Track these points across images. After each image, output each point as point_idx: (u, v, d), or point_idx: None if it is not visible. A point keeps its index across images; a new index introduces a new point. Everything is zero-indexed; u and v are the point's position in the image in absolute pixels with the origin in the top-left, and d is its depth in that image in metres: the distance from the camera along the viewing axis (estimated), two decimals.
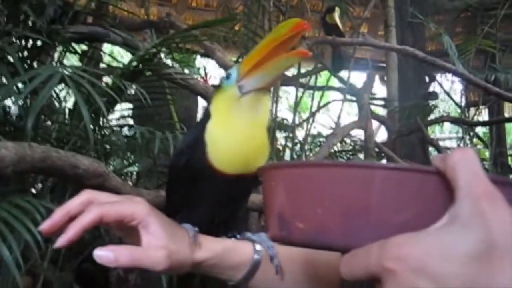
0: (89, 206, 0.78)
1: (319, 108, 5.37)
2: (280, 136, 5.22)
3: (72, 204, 0.78)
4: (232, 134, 0.94)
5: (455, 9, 6.12)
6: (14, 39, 2.51)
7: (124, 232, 0.85)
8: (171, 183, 1.11)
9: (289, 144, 4.85)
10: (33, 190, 2.61)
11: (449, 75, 6.09)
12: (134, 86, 2.41)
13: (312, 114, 5.10)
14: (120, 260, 0.75)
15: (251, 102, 0.94)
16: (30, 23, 2.55)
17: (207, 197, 1.01)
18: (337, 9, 4.10)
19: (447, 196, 0.55)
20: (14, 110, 2.56)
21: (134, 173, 3.48)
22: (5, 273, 2.07)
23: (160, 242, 0.80)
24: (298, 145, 5.08)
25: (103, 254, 0.74)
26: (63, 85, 2.18)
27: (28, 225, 1.74)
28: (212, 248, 0.91)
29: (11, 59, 2.49)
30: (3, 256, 1.71)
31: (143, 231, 0.80)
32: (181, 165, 1.01)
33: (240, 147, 0.94)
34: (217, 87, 1.01)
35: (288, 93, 7.43)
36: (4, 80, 2.44)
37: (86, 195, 0.80)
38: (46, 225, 0.76)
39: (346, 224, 0.58)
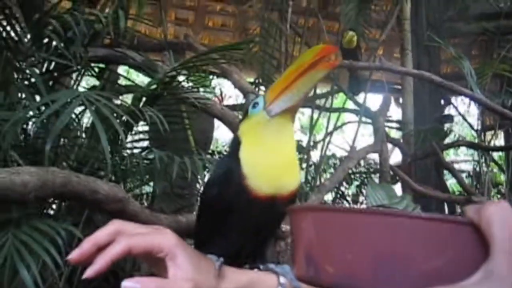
0: (118, 238, 0.78)
1: (334, 129, 5.37)
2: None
3: (101, 234, 0.79)
4: (264, 153, 0.99)
5: (471, 32, 6.11)
6: (36, 61, 2.56)
7: (150, 262, 0.85)
8: (202, 213, 1.13)
9: (304, 166, 4.86)
10: (51, 211, 2.64)
11: (464, 98, 6.06)
12: (152, 110, 2.43)
13: (327, 135, 5.10)
14: None
15: (280, 122, 1.00)
16: (52, 46, 2.59)
17: (238, 225, 1.04)
18: (351, 33, 4.11)
19: (480, 247, 0.55)
20: (33, 130, 2.59)
21: (148, 194, 3.49)
22: None
23: (186, 274, 0.80)
24: (313, 167, 5.08)
25: (130, 285, 0.74)
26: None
27: (47, 247, 1.76)
28: (237, 280, 0.91)
29: (32, 79, 2.54)
30: (23, 278, 1.73)
31: (170, 263, 0.80)
32: (214, 194, 1.05)
33: (273, 164, 0.98)
34: (243, 117, 1.06)
35: (302, 114, 7.44)
36: (25, 101, 2.49)
37: (114, 225, 0.81)
38: (75, 255, 0.77)
39: (376, 270, 0.59)
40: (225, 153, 5.97)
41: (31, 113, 2.28)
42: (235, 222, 1.03)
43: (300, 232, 0.70)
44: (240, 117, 3.35)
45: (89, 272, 0.74)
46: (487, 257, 0.53)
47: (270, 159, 0.98)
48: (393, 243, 0.58)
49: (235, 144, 1.03)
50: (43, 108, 2.21)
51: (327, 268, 0.63)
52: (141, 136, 3.02)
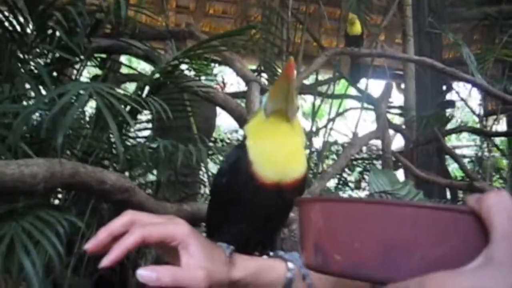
0: (132, 228, 0.81)
1: (336, 116, 5.38)
2: None
3: (116, 224, 0.82)
4: (269, 142, 1.04)
5: (473, 17, 6.09)
6: (40, 52, 2.57)
7: (163, 250, 0.88)
8: (212, 203, 1.17)
9: (306, 152, 4.87)
10: (56, 201, 2.67)
11: (466, 84, 6.05)
12: (155, 99, 2.45)
13: (329, 122, 5.11)
14: (162, 280, 0.77)
15: (276, 121, 1.05)
16: (56, 37, 2.60)
17: (247, 213, 1.07)
18: (357, 20, 4.11)
19: (481, 235, 0.58)
20: (37, 120, 2.61)
21: (153, 182, 3.51)
22: (30, 282, 2.13)
23: (199, 262, 0.83)
24: (315, 153, 5.10)
25: (146, 274, 0.77)
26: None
27: (50, 238, 1.79)
28: (247, 267, 0.94)
29: (36, 71, 2.56)
30: (24, 266, 1.75)
31: (183, 252, 0.83)
32: (223, 183, 1.09)
33: (277, 152, 1.03)
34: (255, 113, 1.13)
35: (304, 100, 7.44)
36: (31, 92, 2.51)
37: (128, 216, 0.84)
38: (91, 245, 0.80)
39: (382, 258, 0.61)
40: (227, 140, 5.99)
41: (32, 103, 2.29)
42: (244, 210, 1.07)
43: (309, 222, 0.73)
44: (243, 104, 3.38)
45: (105, 262, 0.77)
46: (488, 244, 0.56)
47: (274, 147, 1.03)
48: (398, 231, 0.61)
49: (243, 138, 1.09)
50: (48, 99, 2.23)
51: (335, 257, 0.66)
52: (145, 125, 3.04)
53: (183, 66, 2.93)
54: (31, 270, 1.75)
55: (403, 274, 0.59)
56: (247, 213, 1.07)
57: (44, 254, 1.81)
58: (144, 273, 0.77)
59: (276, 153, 1.03)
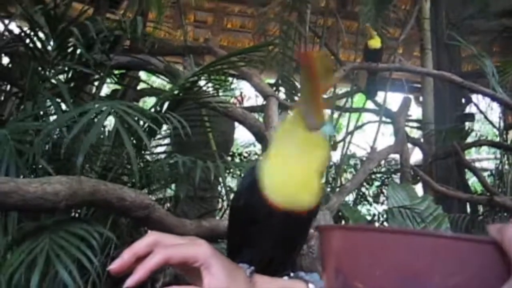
0: (156, 249, 0.82)
1: (354, 129, 5.37)
2: None
3: (140, 245, 0.83)
4: (284, 169, 1.01)
5: (492, 30, 6.06)
6: (61, 70, 2.61)
7: (185, 271, 0.89)
8: (231, 223, 1.16)
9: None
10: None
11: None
12: (174, 115, 2.47)
13: (348, 135, 5.10)
14: None
15: (314, 138, 1.01)
16: (76, 55, 2.64)
17: (264, 235, 1.06)
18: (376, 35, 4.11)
19: (502, 266, 0.57)
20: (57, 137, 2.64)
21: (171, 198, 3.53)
22: None
23: (221, 283, 0.83)
24: (333, 167, 5.09)
25: None
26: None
27: (84, 251, 1.82)
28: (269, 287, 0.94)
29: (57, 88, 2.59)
30: (64, 280, 1.78)
31: (205, 272, 0.83)
32: (240, 204, 1.08)
33: (289, 182, 1.00)
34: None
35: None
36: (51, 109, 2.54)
37: (152, 237, 0.84)
38: (116, 265, 0.81)
39: (403, 286, 0.61)
40: (245, 154, 5.99)
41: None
42: (261, 231, 1.06)
43: (330, 250, 0.73)
44: (261, 119, 3.39)
45: (129, 282, 0.78)
46: (509, 275, 0.56)
47: (287, 175, 1.00)
48: (417, 261, 0.61)
49: (265, 148, 1.08)
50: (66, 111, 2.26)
51: (357, 285, 0.66)
52: (163, 141, 3.06)
53: (202, 82, 2.95)
54: (72, 284, 1.79)
55: None
56: (264, 234, 1.07)
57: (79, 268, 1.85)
58: None
59: (288, 183, 1.00)
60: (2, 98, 2.90)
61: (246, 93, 7.24)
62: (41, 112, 2.35)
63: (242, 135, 7.43)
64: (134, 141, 2.51)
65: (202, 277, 0.84)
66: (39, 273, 1.74)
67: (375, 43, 4.09)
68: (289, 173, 1.01)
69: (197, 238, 0.90)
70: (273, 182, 1.01)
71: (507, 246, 0.56)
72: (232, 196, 1.22)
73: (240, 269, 0.93)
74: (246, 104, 6.63)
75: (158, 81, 6.91)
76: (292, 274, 1.06)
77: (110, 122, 3.20)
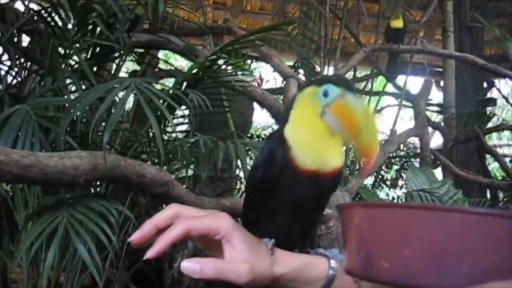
0: (177, 220, 0.81)
1: (374, 113, 5.32)
2: None
3: (160, 217, 0.82)
4: (310, 131, 1.03)
5: None
6: (81, 47, 2.61)
7: (205, 244, 0.88)
8: (249, 197, 1.16)
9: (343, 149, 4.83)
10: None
11: (508, 80, 5.92)
12: (196, 93, 2.45)
13: None
14: (205, 272, 0.78)
15: (325, 125, 1.03)
16: (96, 32, 2.63)
17: (285, 205, 1.06)
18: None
19: None
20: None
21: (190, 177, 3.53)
22: (70, 271, 2.17)
23: (243, 256, 0.82)
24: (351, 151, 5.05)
25: (190, 266, 0.77)
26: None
27: (102, 227, 1.82)
28: (290, 263, 0.93)
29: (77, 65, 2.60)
30: (81, 255, 1.80)
31: (226, 245, 0.82)
32: (260, 174, 1.08)
33: (317, 140, 1.02)
34: (312, 84, 1.07)
35: None
36: (72, 87, 2.55)
37: (173, 209, 0.84)
38: (136, 237, 0.80)
39: (433, 266, 0.59)
40: (263, 136, 5.98)
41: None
42: (282, 201, 1.06)
43: (352, 229, 0.71)
44: (280, 100, 3.37)
45: (150, 253, 0.77)
46: None
47: (315, 136, 1.02)
48: (446, 238, 0.59)
49: (288, 109, 1.07)
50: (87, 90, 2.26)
51: (383, 264, 0.64)
52: (181, 120, 3.05)
53: (220, 62, 2.93)
54: (89, 259, 1.80)
55: (455, 281, 0.58)
56: (285, 203, 1.06)
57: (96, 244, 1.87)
58: (188, 265, 0.77)
59: (316, 142, 1.02)
60: (23, 76, 2.91)
61: (265, 76, 7.22)
62: (60, 88, 2.35)
63: (260, 117, 7.43)
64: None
65: (223, 249, 0.83)
66: (56, 247, 1.75)
67: (398, 23, 4.04)
68: (314, 134, 1.02)
69: (218, 211, 0.89)
70: (301, 143, 1.02)
71: None
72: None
73: (261, 243, 0.92)
74: (265, 86, 6.61)
75: (176, 64, 6.91)
76: (311, 251, 1.05)
77: (129, 102, 3.21)
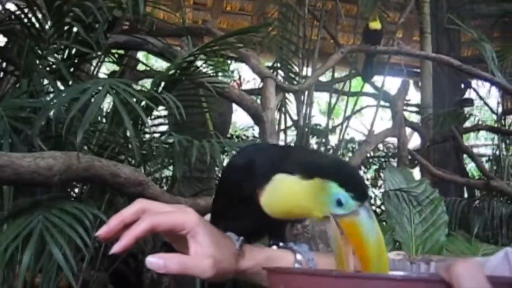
0: (143, 215, 0.82)
1: (352, 113, 5.37)
2: (313, 141, 5.25)
3: (127, 212, 0.83)
4: (292, 204, 0.90)
5: (492, 14, 6.03)
6: (58, 48, 2.61)
7: (172, 239, 0.89)
8: (218, 192, 1.11)
9: (322, 150, 4.87)
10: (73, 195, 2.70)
11: (485, 81, 6.00)
12: (170, 96, 2.46)
13: (346, 120, 5.10)
14: (169, 267, 0.79)
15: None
16: (73, 33, 2.63)
17: (250, 218, 1.02)
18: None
19: None
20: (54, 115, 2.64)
21: (168, 178, 3.54)
22: (47, 272, 2.16)
23: (207, 251, 0.84)
24: (331, 151, 5.10)
25: (155, 261, 0.78)
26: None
27: (77, 229, 1.82)
28: (255, 257, 0.94)
29: (54, 66, 2.59)
30: (56, 257, 1.79)
31: (191, 240, 0.84)
32: (230, 181, 1.02)
33: (295, 213, 0.93)
34: (328, 177, 0.85)
35: (319, 98, 7.43)
36: (48, 88, 2.54)
37: (139, 204, 0.85)
38: (102, 231, 0.81)
39: None
40: (243, 137, 5.99)
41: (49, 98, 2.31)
42: (246, 214, 0.98)
43: None
44: (258, 101, 3.39)
45: (116, 248, 0.79)
46: None
47: (292, 207, 0.90)
48: None
49: (290, 167, 0.89)
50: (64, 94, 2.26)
51: None
52: (160, 120, 3.06)
53: (199, 63, 2.94)
54: (63, 262, 1.79)
55: None
56: (250, 217, 1.02)
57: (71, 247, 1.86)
58: (152, 260, 0.78)
59: (292, 213, 0.92)
60: None
61: (245, 76, 7.25)
62: (36, 90, 2.35)
63: (241, 118, 7.45)
64: (131, 121, 2.51)
65: (189, 244, 0.85)
66: (31, 250, 1.75)
67: (376, 24, 4.08)
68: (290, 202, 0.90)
69: (185, 206, 0.90)
70: (274, 204, 0.92)
71: (455, 284, 0.58)
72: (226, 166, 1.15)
73: (227, 238, 0.93)
74: (245, 87, 6.63)
75: (156, 65, 6.90)
76: (281, 244, 1.06)
77: (108, 103, 3.21)
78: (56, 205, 1.88)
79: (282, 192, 0.89)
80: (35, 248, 1.79)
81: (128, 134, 2.58)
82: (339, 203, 0.83)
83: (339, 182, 0.83)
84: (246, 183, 0.93)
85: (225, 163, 3.37)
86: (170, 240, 0.90)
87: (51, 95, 2.40)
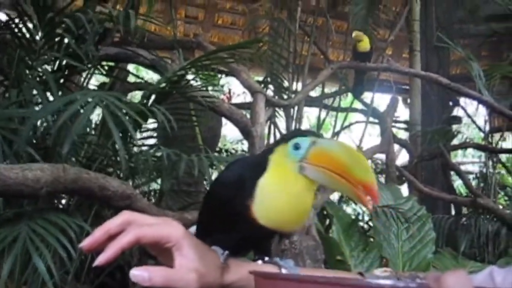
0: (128, 227, 0.82)
1: (342, 129, 5.40)
2: None
3: (112, 224, 0.83)
4: (283, 199, 0.94)
5: (481, 34, 6.11)
6: (48, 59, 2.60)
7: (158, 251, 0.89)
8: (205, 207, 1.11)
9: None
10: (60, 206, 2.68)
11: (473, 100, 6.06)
12: (160, 109, 2.46)
13: (335, 135, 5.12)
14: (153, 280, 0.79)
15: (305, 181, 0.95)
16: (64, 44, 2.63)
17: (237, 232, 1.02)
18: (365, 38, 4.11)
19: None
20: (43, 127, 2.64)
21: (156, 191, 3.52)
22: (32, 284, 2.14)
23: (192, 264, 0.84)
24: None
25: (139, 274, 0.78)
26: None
27: (61, 240, 1.81)
28: (240, 271, 0.94)
29: (44, 77, 2.59)
30: (38, 267, 1.77)
31: (176, 253, 0.84)
32: (219, 197, 1.02)
33: (287, 212, 0.95)
34: (281, 142, 0.98)
35: (309, 113, 7.46)
36: (38, 98, 2.54)
37: (125, 216, 0.85)
38: (87, 243, 0.81)
39: None
40: (232, 151, 5.99)
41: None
42: (235, 228, 1.00)
43: None
44: (248, 115, 3.40)
45: (100, 259, 0.78)
46: None
47: (283, 204, 0.94)
48: None
49: (260, 167, 0.97)
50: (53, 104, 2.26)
51: None
52: (150, 133, 3.06)
53: (190, 76, 2.95)
54: (45, 272, 1.77)
55: None
56: (237, 231, 1.03)
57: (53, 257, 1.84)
58: (137, 273, 0.78)
59: (283, 212, 0.95)
60: None
61: (235, 90, 7.26)
62: (26, 100, 2.34)
63: (231, 132, 7.45)
64: (120, 133, 2.51)
65: (174, 257, 0.84)
66: (12, 259, 1.72)
67: (364, 45, 4.10)
68: (287, 203, 0.95)
69: (171, 219, 0.90)
70: (268, 208, 0.94)
71: None
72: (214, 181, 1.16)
73: (213, 252, 0.93)
74: (235, 101, 6.65)
75: (147, 77, 6.90)
76: (266, 259, 1.06)
77: (97, 115, 3.20)
78: (41, 216, 1.86)
79: (268, 189, 0.94)
80: (20, 259, 1.77)
81: (116, 146, 2.58)
82: (297, 147, 0.93)
83: (287, 138, 0.96)
84: (236, 198, 0.95)
85: (213, 177, 3.38)
86: (155, 253, 0.90)
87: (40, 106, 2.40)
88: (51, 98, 2.50)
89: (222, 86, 6.31)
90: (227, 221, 1.00)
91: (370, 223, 4.10)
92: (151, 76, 6.59)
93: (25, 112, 2.24)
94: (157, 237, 0.83)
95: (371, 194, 0.89)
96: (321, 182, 0.95)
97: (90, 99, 1.99)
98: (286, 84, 4.44)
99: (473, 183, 5.67)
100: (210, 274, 0.87)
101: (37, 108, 2.39)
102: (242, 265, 0.96)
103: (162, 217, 0.94)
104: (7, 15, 2.83)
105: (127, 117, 2.23)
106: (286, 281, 0.71)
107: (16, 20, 2.63)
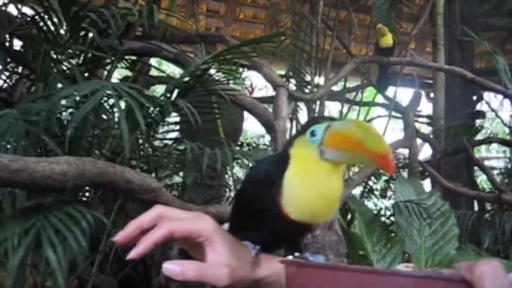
0: (160, 222, 0.83)
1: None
2: None
3: (145, 218, 0.84)
4: (310, 189, 0.95)
5: (505, 27, 6.01)
6: (73, 53, 2.63)
7: (189, 246, 0.89)
8: (237, 205, 1.13)
9: None
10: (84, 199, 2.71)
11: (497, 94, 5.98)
12: (184, 103, 2.47)
13: None
14: (186, 274, 0.79)
15: (329, 165, 0.95)
16: (88, 39, 2.65)
17: (268, 228, 1.02)
18: (389, 33, 4.08)
19: None
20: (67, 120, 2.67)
21: (179, 184, 3.54)
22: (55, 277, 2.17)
23: (223, 259, 0.84)
24: None
25: (172, 268, 0.78)
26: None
27: (75, 233, 1.81)
28: (272, 267, 0.94)
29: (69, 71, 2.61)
30: (49, 259, 1.77)
31: (208, 248, 0.84)
32: (248, 195, 1.04)
33: (313, 202, 0.95)
34: (299, 134, 0.99)
35: (331, 108, 7.43)
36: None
37: (157, 210, 0.85)
38: (120, 237, 0.82)
39: None
40: (254, 145, 6.00)
41: (63, 102, 2.32)
42: (266, 225, 1.00)
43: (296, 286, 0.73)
44: (270, 109, 3.39)
45: (133, 254, 0.79)
46: None
47: (313, 194, 0.95)
48: None
49: (284, 160, 0.98)
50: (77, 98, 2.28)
51: None
52: (173, 127, 3.07)
53: (212, 71, 2.96)
54: (56, 264, 1.78)
55: None
56: (268, 227, 1.03)
57: (70, 250, 1.85)
58: (170, 266, 0.78)
59: (313, 202, 0.95)
60: (14, 80, 2.93)
61: (257, 84, 7.25)
62: (52, 94, 2.36)
63: (253, 127, 7.45)
64: (145, 127, 2.53)
65: (205, 252, 0.85)
66: (24, 248, 1.72)
67: (387, 40, 4.07)
68: (315, 194, 0.95)
69: (202, 214, 0.90)
70: (296, 199, 0.95)
71: (477, 284, 0.57)
72: (242, 182, 1.17)
73: (244, 247, 0.93)
74: (257, 95, 6.64)
75: (169, 70, 6.93)
76: (297, 255, 1.06)
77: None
78: (60, 207, 1.87)
79: (295, 181, 0.94)
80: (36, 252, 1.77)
81: (140, 140, 2.60)
82: (313, 134, 0.94)
83: (306, 126, 0.97)
84: (265, 196, 0.95)
85: (235, 171, 3.39)
86: (187, 247, 0.90)
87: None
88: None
89: (244, 79, 6.29)
90: (259, 219, 1.00)
91: (392, 218, 4.07)
92: (172, 69, 6.63)
93: (50, 104, 2.26)
94: (189, 232, 0.83)
95: (385, 163, 0.91)
96: (342, 161, 0.96)
97: (111, 90, 1.99)
98: (308, 78, 4.42)
99: (497, 178, 5.60)
100: (241, 269, 0.87)
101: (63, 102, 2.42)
102: (273, 260, 0.96)
103: (198, 212, 0.94)
104: (33, 8, 2.86)
105: (150, 110, 2.25)
106: (319, 269, 0.70)
107: (42, 14, 2.66)
